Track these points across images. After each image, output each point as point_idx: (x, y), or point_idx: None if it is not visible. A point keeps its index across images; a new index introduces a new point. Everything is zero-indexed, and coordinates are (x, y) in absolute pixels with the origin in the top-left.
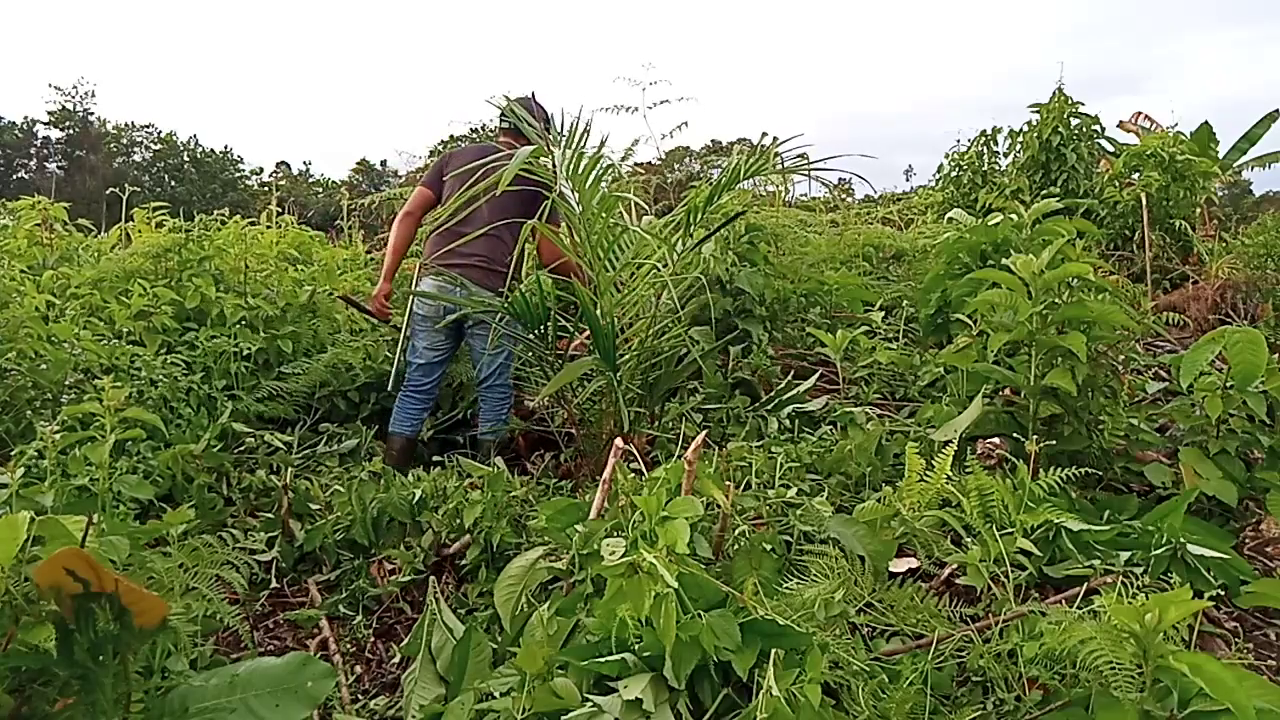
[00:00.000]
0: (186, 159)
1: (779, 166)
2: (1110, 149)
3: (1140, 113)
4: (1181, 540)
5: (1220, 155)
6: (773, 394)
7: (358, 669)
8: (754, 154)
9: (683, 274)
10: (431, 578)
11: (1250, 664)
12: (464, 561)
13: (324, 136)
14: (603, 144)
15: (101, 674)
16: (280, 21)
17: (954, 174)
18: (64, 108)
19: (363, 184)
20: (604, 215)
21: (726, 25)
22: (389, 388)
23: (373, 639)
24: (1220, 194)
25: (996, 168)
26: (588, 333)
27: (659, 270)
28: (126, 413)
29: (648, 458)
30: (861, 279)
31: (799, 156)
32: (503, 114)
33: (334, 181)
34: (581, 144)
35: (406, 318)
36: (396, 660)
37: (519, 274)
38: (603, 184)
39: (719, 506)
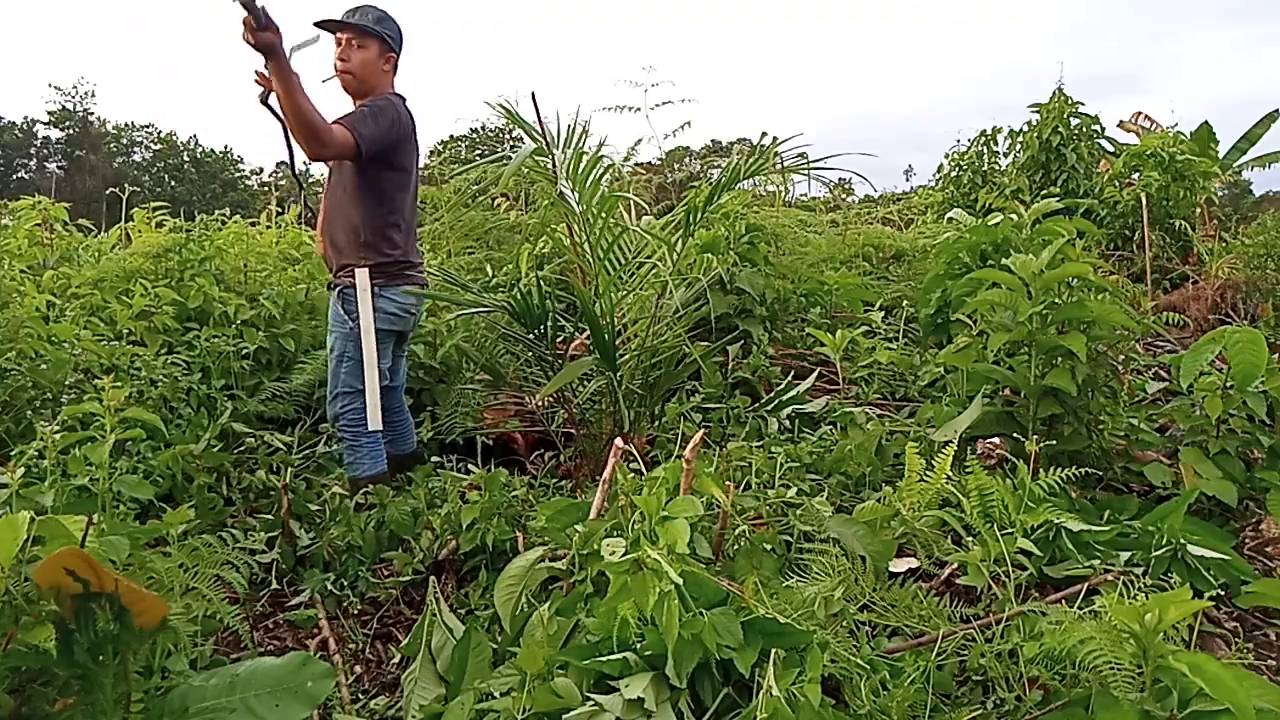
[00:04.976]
0: (186, 159)
1: (779, 166)
2: (1110, 149)
3: (1140, 113)
4: (1181, 540)
5: (1220, 155)
6: (773, 394)
7: (358, 669)
8: (754, 154)
9: (684, 274)
10: (431, 578)
11: (1250, 664)
12: (464, 562)
13: None
14: (602, 144)
15: (101, 674)
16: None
17: (954, 174)
18: (64, 108)
19: None
20: (604, 215)
21: (727, 26)
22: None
23: (373, 639)
24: (1220, 194)
25: (996, 168)
26: (588, 333)
27: (659, 269)
28: (126, 413)
29: (648, 458)
30: (861, 279)
31: (799, 156)
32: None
33: None
34: (581, 144)
35: (354, 341)
36: (396, 660)
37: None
38: (603, 184)
39: (719, 506)
